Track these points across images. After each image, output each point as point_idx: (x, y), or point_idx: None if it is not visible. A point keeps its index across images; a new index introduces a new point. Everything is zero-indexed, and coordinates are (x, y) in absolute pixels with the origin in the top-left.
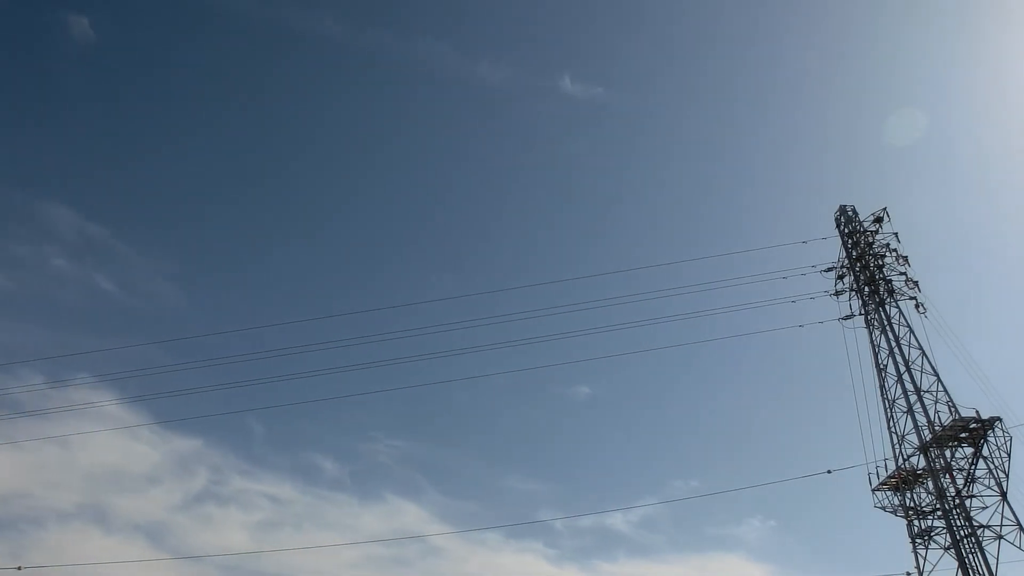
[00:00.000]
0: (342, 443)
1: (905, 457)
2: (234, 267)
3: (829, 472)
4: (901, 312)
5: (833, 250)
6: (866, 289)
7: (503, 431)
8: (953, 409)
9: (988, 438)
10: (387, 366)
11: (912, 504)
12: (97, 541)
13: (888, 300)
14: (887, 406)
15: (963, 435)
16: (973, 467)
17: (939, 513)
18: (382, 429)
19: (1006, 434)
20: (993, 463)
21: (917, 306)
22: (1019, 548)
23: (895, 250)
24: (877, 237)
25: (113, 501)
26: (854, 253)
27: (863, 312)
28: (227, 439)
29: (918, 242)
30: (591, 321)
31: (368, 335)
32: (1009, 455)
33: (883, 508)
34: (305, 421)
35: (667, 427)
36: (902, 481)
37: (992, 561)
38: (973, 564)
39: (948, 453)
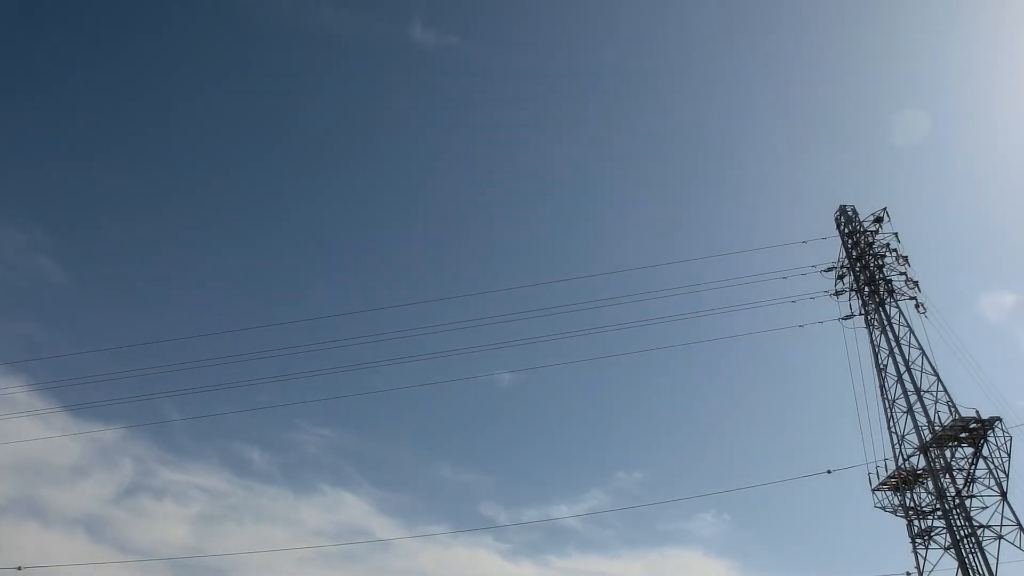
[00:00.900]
0: (266, 433)
1: (905, 457)
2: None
3: (829, 472)
4: (901, 312)
5: (833, 250)
6: (866, 289)
7: (428, 418)
8: (953, 409)
9: (988, 438)
10: (305, 352)
11: (912, 504)
12: (36, 535)
13: (888, 300)
14: (887, 406)
15: (963, 435)
16: (973, 467)
17: (939, 513)
18: (306, 417)
19: (1006, 434)
20: (993, 463)
21: (917, 306)
22: (1019, 548)
23: (895, 250)
24: (877, 237)
25: (44, 494)
26: (854, 253)
27: (863, 312)
28: (145, 428)
29: (918, 242)
30: (590, 321)
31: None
32: (1009, 455)
33: (883, 508)
34: (224, 408)
35: (612, 420)
36: (902, 481)
37: (992, 561)
38: (973, 564)
39: (948, 453)
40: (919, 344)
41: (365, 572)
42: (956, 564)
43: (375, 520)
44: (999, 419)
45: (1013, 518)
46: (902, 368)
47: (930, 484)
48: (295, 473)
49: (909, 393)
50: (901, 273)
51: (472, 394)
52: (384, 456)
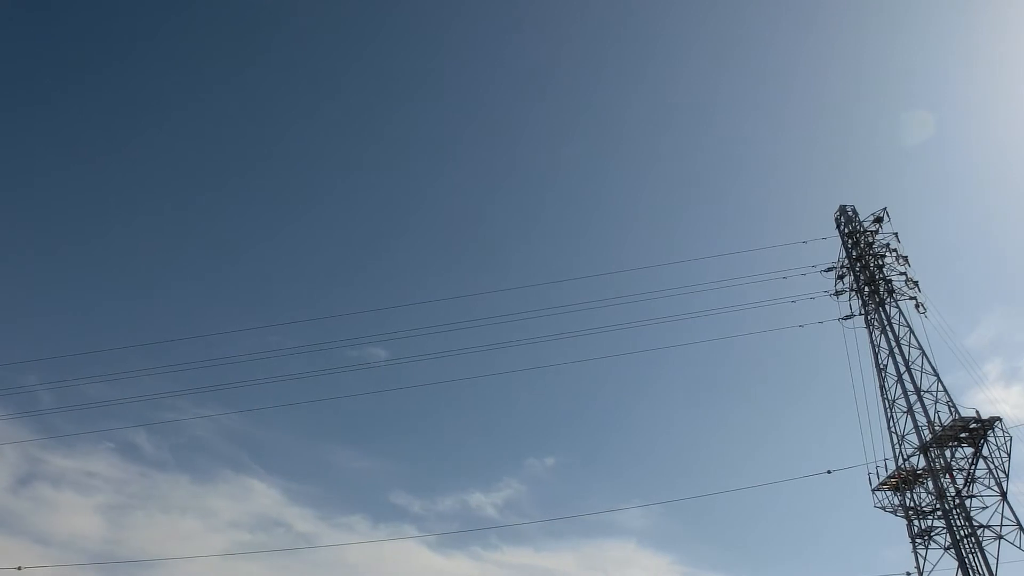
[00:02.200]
0: (144, 411)
1: (905, 457)
2: None
3: (829, 472)
4: (901, 312)
5: (833, 250)
6: (866, 289)
7: (313, 402)
8: (953, 409)
9: (988, 438)
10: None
11: (912, 504)
12: None
13: (888, 300)
14: (887, 406)
15: (963, 435)
16: (973, 467)
17: (939, 513)
18: (184, 397)
19: (1006, 434)
20: (993, 463)
21: (917, 306)
22: (1019, 548)
23: (895, 250)
24: (877, 237)
25: None
26: (854, 253)
27: (863, 312)
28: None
29: (918, 242)
30: (588, 322)
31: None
32: (1009, 455)
33: (883, 508)
34: (94, 386)
35: (523, 408)
36: (902, 481)
37: (992, 561)
38: (973, 564)
39: (948, 453)
40: (919, 344)
41: (297, 567)
42: (956, 564)
43: (288, 511)
44: (999, 419)
45: (1013, 518)
46: (902, 368)
47: (930, 484)
48: (188, 458)
49: (909, 393)
50: (901, 273)
51: (352, 375)
52: (276, 441)
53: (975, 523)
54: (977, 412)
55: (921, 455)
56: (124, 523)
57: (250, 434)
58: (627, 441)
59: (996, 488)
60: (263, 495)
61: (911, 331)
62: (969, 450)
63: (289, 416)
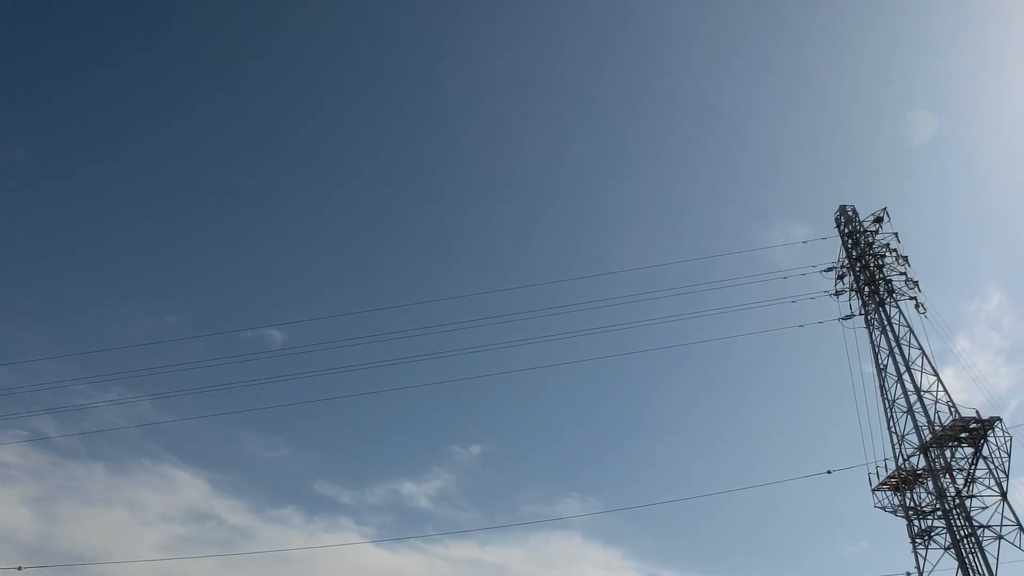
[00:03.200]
0: (49, 398)
1: (905, 457)
2: None
3: (829, 472)
4: (901, 312)
5: (833, 250)
6: (866, 289)
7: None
8: (953, 409)
9: (988, 438)
10: None
11: (912, 504)
12: None
13: (888, 300)
14: (887, 406)
15: (963, 435)
16: (973, 467)
17: (939, 513)
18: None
19: (1006, 434)
20: (993, 463)
21: (917, 306)
22: (1019, 548)
23: (895, 250)
24: (877, 237)
25: None
26: (854, 253)
27: (863, 312)
28: None
29: (919, 242)
30: (588, 322)
31: None
32: (1009, 455)
33: (883, 508)
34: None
35: (443, 395)
36: (902, 481)
37: (992, 561)
38: (973, 564)
39: (948, 453)
40: (919, 344)
41: (237, 562)
42: (956, 564)
43: (217, 503)
44: (999, 419)
45: (1013, 518)
46: (902, 368)
47: (930, 484)
48: (99, 447)
49: (909, 393)
50: (901, 273)
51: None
52: (188, 429)
53: (975, 523)
54: (977, 412)
55: (921, 455)
56: (52, 516)
57: (160, 421)
58: (592, 439)
59: (996, 488)
60: (189, 486)
61: (911, 331)
62: (969, 450)
63: (195, 403)
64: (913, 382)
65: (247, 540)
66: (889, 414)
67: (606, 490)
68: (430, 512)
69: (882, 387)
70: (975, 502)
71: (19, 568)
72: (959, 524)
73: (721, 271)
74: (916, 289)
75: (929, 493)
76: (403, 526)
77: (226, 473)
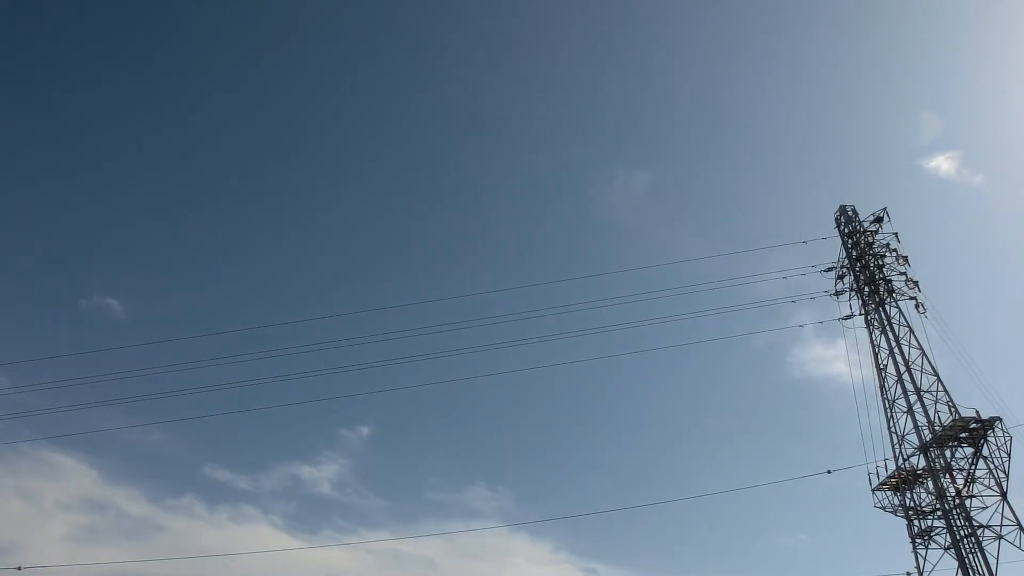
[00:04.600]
0: None
1: (905, 457)
2: None
3: (829, 472)
4: (901, 312)
5: (833, 250)
6: (866, 289)
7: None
8: (953, 409)
9: (988, 438)
10: None
11: (912, 504)
12: None
13: (888, 300)
14: (887, 406)
15: (963, 435)
16: (973, 467)
17: (939, 513)
18: None
19: (1006, 434)
20: (993, 463)
21: (917, 306)
22: (1019, 548)
23: (895, 250)
24: (877, 237)
25: None
26: (854, 253)
27: (863, 312)
28: None
29: (918, 242)
30: (588, 322)
31: None
32: (1009, 455)
33: (883, 508)
34: None
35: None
36: (902, 481)
37: (992, 561)
38: (973, 564)
39: (948, 453)
40: (919, 344)
41: (153, 550)
42: (956, 564)
43: (112, 492)
44: (999, 419)
45: (1013, 518)
46: (902, 368)
47: (930, 484)
48: None
49: (909, 393)
50: (901, 273)
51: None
52: (47, 409)
53: (975, 523)
54: (977, 412)
55: (921, 455)
56: None
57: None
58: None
59: (996, 488)
60: (77, 473)
61: (911, 331)
62: (969, 450)
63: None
64: (913, 382)
65: (159, 532)
66: (889, 414)
67: (513, 479)
68: (335, 499)
69: (882, 387)
70: (975, 502)
71: (19, 568)
72: (959, 524)
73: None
74: (916, 289)
75: (929, 493)
76: (309, 514)
77: (106, 458)
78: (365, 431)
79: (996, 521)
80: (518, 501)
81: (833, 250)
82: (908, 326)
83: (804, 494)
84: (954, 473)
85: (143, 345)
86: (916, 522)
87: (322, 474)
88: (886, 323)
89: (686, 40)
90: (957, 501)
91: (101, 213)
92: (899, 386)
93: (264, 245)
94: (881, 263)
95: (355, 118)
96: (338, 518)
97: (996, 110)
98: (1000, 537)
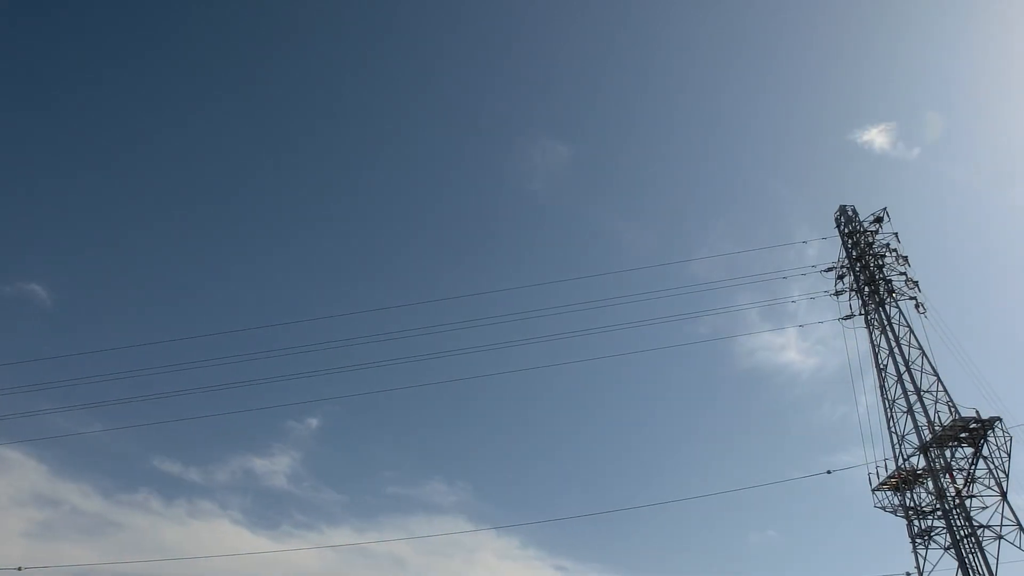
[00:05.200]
0: None
1: (905, 457)
2: None
3: (829, 472)
4: (901, 312)
5: (833, 250)
6: (866, 289)
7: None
8: (953, 409)
9: (988, 438)
10: None
11: (912, 504)
12: None
13: (888, 300)
14: (887, 406)
15: (963, 435)
16: (973, 467)
17: (939, 513)
18: None
19: (1006, 434)
20: (993, 463)
21: (917, 306)
22: (1019, 548)
23: (895, 250)
24: (877, 237)
25: None
26: (854, 253)
27: (863, 312)
28: None
29: (918, 242)
30: (589, 322)
31: None
32: (1009, 455)
33: (883, 508)
34: None
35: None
36: (902, 481)
37: (992, 561)
38: (973, 564)
39: (948, 453)
40: (919, 344)
41: (114, 547)
42: (956, 564)
43: (63, 487)
44: (999, 419)
45: (1013, 518)
46: (902, 368)
47: (930, 484)
48: None
49: (909, 393)
50: (901, 273)
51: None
52: None
53: (975, 523)
54: (977, 412)
55: (921, 455)
56: None
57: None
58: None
59: (996, 488)
60: (24, 467)
61: (911, 331)
62: (969, 450)
63: None
64: (913, 382)
65: (116, 528)
66: (889, 414)
67: (471, 473)
68: (292, 493)
69: (882, 387)
70: (975, 502)
71: (19, 568)
72: (959, 524)
73: (721, 271)
74: (916, 289)
75: (929, 493)
76: (266, 509)
77: (53, 450)
78: (314, 423)
79: (996, 521)
80: (477, 495)
81: (833, 250)
82: (908, 326)
83: (778, 493)
84: (954, 473)
85: (141, 345)
86: (916, 522)
87: (275, 467)
88: (886, 323)
89: (685, 40)
90: (957, 501)
91: (102, 213)
92: (899, 386)
93: (264, 245)
94: (881, 263)
95: (355, 118)
96: (296, 512)
97: (996, 110)
98: (1000, 537)
